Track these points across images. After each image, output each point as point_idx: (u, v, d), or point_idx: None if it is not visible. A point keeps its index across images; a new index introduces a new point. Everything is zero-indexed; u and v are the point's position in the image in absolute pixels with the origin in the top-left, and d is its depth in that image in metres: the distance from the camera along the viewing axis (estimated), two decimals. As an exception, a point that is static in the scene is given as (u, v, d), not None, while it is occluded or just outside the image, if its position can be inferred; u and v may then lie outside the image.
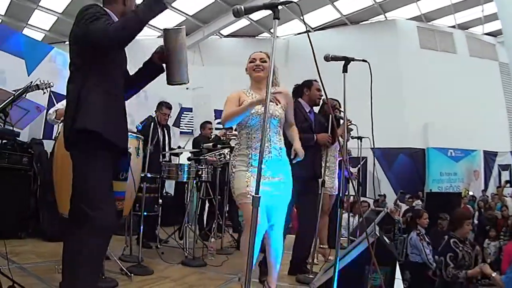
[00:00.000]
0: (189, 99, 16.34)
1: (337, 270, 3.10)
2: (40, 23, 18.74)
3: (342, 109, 5.46)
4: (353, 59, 3.53)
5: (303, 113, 5.18)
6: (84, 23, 2.73)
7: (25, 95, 4.26)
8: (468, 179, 19.36)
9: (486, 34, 21.69)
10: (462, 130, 17.97)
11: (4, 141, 6.00)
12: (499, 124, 19.83)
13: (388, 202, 15.61)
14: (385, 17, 19.67)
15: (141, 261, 4.95)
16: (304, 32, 20.05)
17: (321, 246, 6.26)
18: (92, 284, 2.70)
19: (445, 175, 18.81)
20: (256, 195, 2.37)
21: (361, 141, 7.07)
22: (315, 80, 5.31)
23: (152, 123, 5.77)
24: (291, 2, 2.65)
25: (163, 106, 6.90)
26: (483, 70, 20.35)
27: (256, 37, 20.88)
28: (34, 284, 3.77)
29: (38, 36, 18.98)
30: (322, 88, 2.92)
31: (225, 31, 20.37)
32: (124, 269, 4.44)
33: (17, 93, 3.81)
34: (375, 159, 17.43)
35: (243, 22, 19.09)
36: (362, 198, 15.44)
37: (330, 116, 5.39)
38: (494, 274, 5.58)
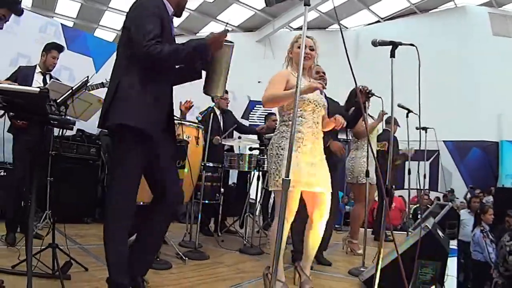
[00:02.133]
0: (260, 92, 16.37)
1: (379, 264, 3.07)
2: (111, 24, 19.50)
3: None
4: (400, 43, 3.43)
5: None
6: (137, 16, 2.87)
7: (86, 89, 4.49)
8: (545, 175, 18.39)
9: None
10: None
11: (72, 133, 6.43)
12: None
13: (460, 198, 15.15)
14: (455, 4, 18.93)
15: (199, 247, 5.12)
16: (375, 23, 19.78)
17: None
18: (118, 270, 2.87)
19: (519, 170, 17.93)
20: (286, 178, 2.38)
21: (426, 132, 6.90)
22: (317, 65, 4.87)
23: (212, 113, 5.85)
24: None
25: None
26: (558, 53, 19.25)
27: (326, 29, 20.61)
28: (90, 263, 4.00)
29: (111, 36, 19.80)
30: (354, 80, 2.79)
31: (295, 24, 20.25)
32: (180, 253, 4.61)
33: (75, 87, 3.99)
34: (448, 152, 17.06)
35: (312, 15, 18.94)
36: (434, 193, 15.14)
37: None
38: None
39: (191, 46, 2.84)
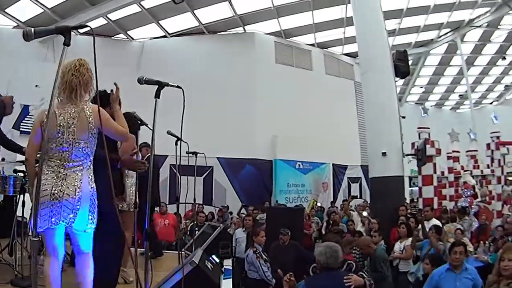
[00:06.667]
0: (38, 98, 15.30)
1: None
2: None
3: None
4: (167, 84, 3.46)
5: None
6: None
7: None
8: (317, 191, 20.36)
9: (345, 54, 23.26)
10: (312, 143, 18.77)
11: None
12: (351, 139, 21.12)
13: (234, 213, 15.75)
14: (244, 29, 19.89)
15: (-31, 282, 4.61)
16: (162, 37, 19.76)
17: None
18: None
19: (293, 186, 19.54)
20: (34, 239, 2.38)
21: (196, 156, 7.12)
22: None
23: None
24: (86, 26, 2.57)
25: None
26: (338, 87, 21.87)
27: (113, 37, 20.01)
28: None
29: None
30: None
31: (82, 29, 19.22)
32: None
33: None
34: (222, 168, 17.81)
35: (100, 21, 18.13)
36: (208, 208, 15.56)
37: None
38: None
39: None
